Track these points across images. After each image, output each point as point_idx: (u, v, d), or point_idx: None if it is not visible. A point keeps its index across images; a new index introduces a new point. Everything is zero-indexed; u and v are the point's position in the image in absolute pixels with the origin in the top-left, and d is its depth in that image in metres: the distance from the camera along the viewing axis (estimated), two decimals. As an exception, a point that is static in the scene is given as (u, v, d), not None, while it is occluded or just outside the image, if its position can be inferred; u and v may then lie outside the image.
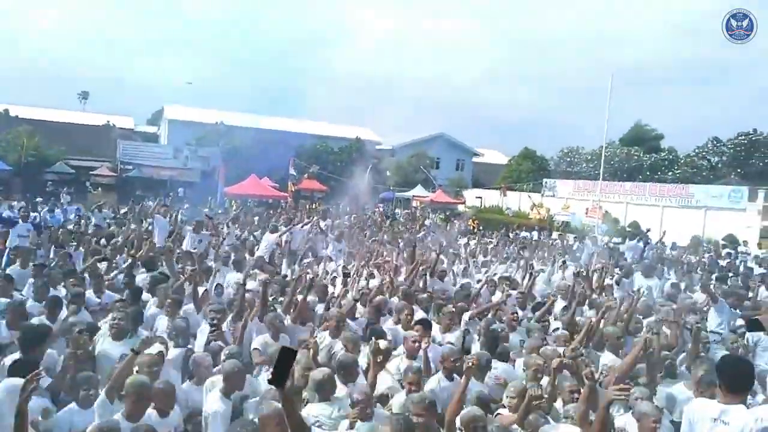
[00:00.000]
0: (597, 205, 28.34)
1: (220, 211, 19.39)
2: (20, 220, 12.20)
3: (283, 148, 34.27)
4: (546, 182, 36.32)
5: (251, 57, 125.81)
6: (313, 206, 25.83)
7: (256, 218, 18.03)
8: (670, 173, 36.73)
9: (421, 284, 8.66)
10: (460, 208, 36.09)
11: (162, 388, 4.28)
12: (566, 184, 34.64)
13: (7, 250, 9.87)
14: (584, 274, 9.71)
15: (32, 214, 14.67)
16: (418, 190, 35.79)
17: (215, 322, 5.92)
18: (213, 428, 4.34)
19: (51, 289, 6.90)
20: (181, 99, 47.06)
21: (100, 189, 30.08)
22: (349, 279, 8.13)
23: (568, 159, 43.52)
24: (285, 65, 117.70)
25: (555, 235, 24.83)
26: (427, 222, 23.52)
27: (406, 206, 34.24)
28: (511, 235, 19.91)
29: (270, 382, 2.81)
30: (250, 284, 7.79)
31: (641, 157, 39.02)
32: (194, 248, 10.45)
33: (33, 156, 32.69)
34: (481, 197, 38.67)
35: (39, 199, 19.52)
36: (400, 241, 14.46)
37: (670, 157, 39.35)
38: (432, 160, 43.13)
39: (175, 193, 30.02)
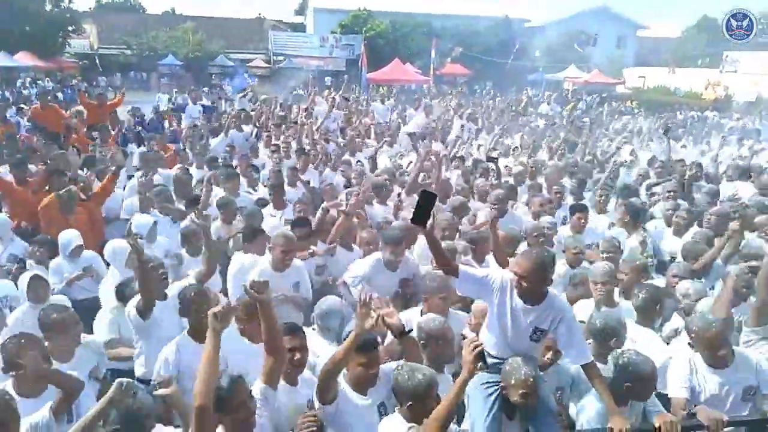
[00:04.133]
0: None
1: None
2: (191, 102, 13.58)
3: (426, 31, 33.16)
4: (726, 56, 31.11)
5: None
6: (456, 92, 25.05)
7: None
8: None
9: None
10: (619, 89, 32.70)
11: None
12: (754, 57, 29.37)
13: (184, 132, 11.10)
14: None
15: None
16: (571, 71, 32.89)
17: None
18: None
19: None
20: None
21: (257, 80, 32.00)
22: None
23: (760, 27, 36.56)
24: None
25: (735, 117, 21.65)
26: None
27: (557, 89, 31.84)
28: (680, 115, 17.76)
29: (412, 221, 2.95)
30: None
31: None
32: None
33: (198, 50, 35.40)
34: (644, 76, 34.52)
35: (205, 89, 21.34)
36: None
37: None
38: (589, 36, 38.93)
39: (323, 82, 30.99)
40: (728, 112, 22.78)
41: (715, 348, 3.20)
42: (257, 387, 2.80)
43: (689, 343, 3.40)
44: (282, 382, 2.98)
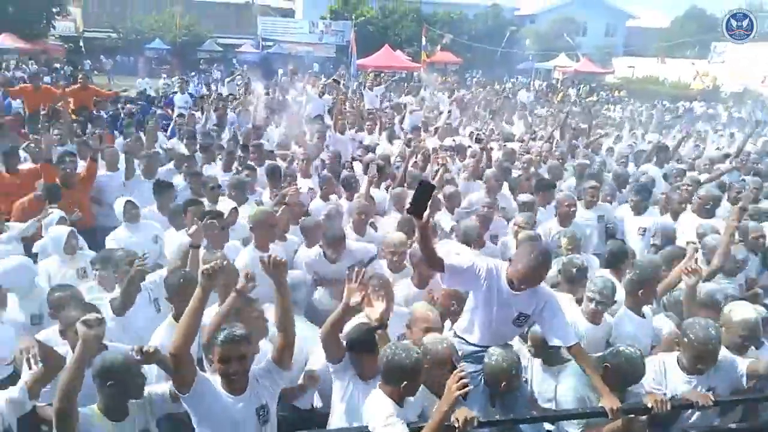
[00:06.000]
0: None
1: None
2: (179, 92, 13.40)
3: (415, 18, 32.99)
4: (714, 46, 31.34)
5: None
6: (446, 79, 25.01)
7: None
8: None
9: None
10: (608, 78, 32.87)
11: None
12: (740, 49, 29.57)
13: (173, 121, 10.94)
14: None
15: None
16: (561, 60, 32.95)
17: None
18: None
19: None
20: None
21: (245, 66, 31.59)
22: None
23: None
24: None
25: (721, 107, 21.88)
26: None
27: (546, 77, 31.93)
28: (666, 104, 17.94)
29: (408, 211, 2.87)
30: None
31: None
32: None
33: (186, 35, 34.91)
34: (633, 66, 34.68)
35: (193, 74, 21.10)
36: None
37: None
38: (578, 25, 38.98)
39: (311, 68, 30.71)
40: (714, 102, 23.03)
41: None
42: (267, 359, 2.89)
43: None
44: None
